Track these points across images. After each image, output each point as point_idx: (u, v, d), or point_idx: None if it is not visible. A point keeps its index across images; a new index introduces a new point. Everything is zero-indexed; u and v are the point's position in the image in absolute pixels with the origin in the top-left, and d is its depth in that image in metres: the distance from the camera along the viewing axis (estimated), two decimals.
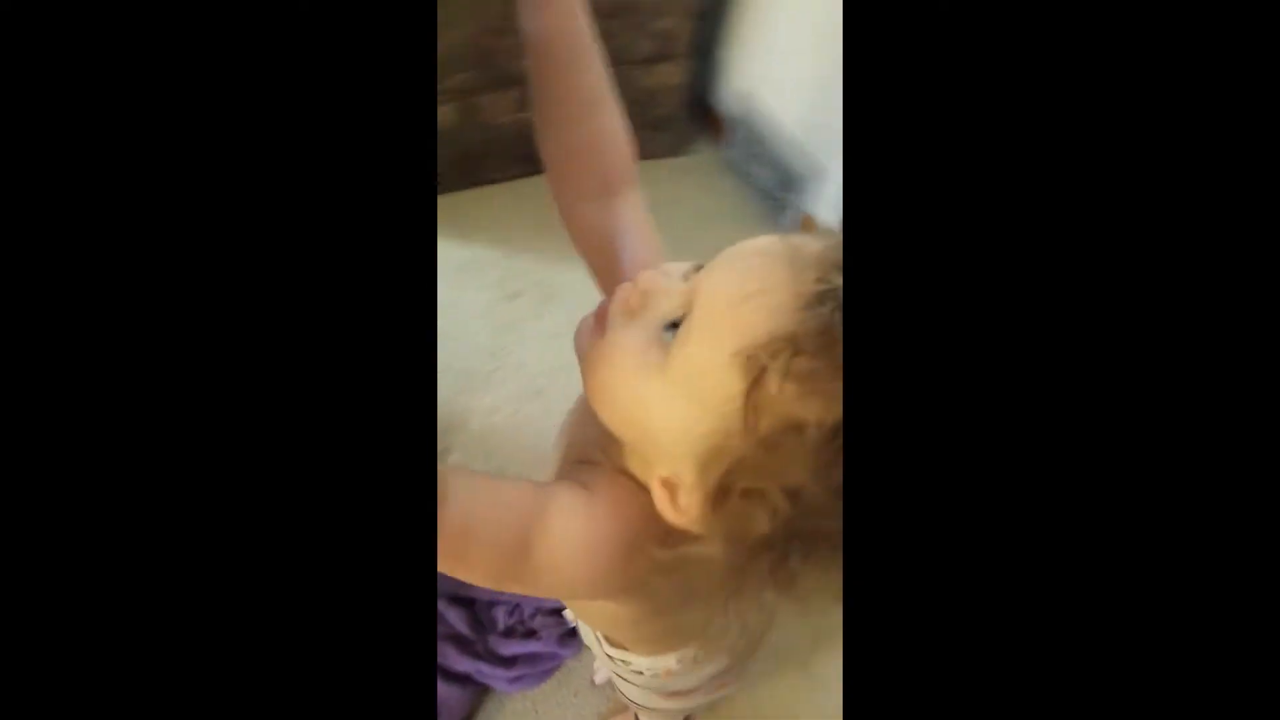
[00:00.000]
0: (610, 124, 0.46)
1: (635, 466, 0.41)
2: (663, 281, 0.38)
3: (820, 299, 0.32)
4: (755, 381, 0.32)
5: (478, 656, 1.02)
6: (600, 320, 0.40)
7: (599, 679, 1.06)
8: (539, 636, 1.05)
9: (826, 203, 1.62)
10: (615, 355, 0.38)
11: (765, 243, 0.36)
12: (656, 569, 0.38)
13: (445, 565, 0.35)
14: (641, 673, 0.62)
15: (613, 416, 0.40)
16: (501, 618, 1.05)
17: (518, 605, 1.06)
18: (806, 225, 1.66)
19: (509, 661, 1.03)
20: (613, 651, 0.62)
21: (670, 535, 0.38)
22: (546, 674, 1.05)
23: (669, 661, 0.61)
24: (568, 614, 1.06)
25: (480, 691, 1.02)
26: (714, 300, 0.35)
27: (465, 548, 0.35)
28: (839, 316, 0.31)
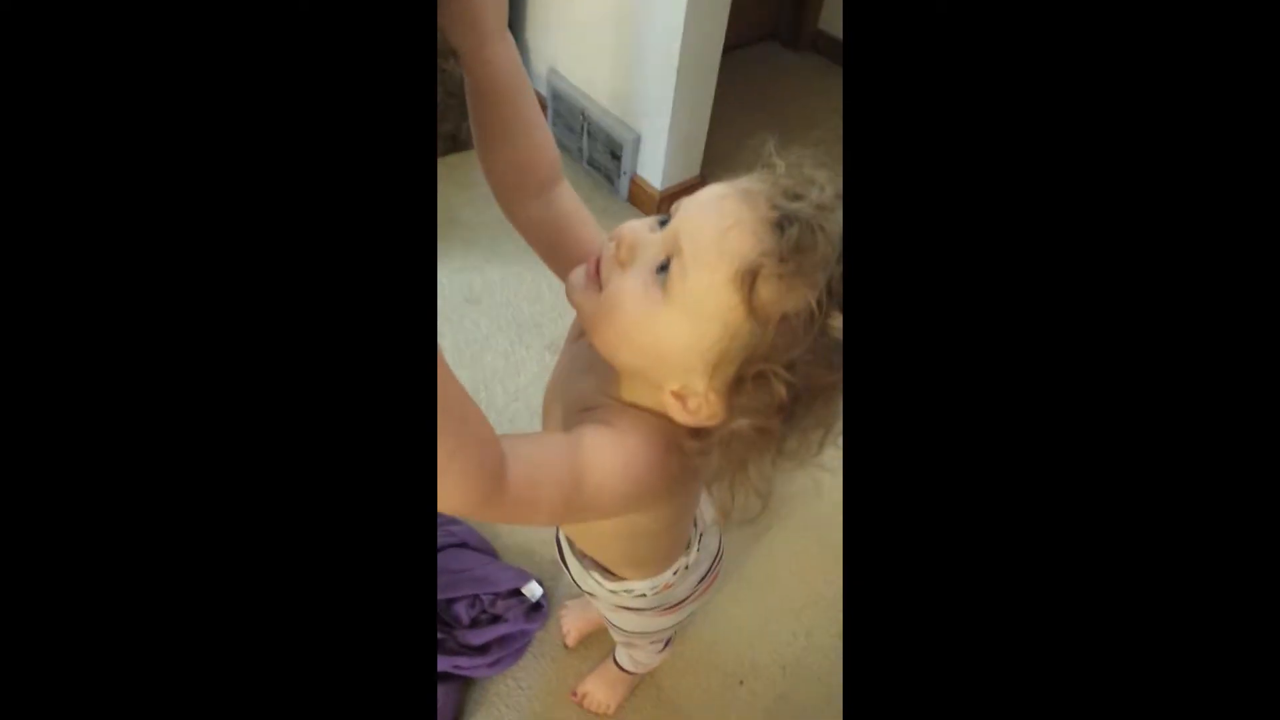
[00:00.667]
0: (544, 135, 0.54)
1: (639, 395, 0.49)
2: (642, 235, 0.46)
3: (787, 219, 0.41)
4: (750, 289, 0.41)
5: (452, 653, 1.04)
6: (592, 279, 0.47)
7: (570, 641, 1.12)
8: (505, 619, 1.09)
9: (648, 164, 1.73)
10: (620, 300, 0.45)
11: (719, 189, 0.45)
12: (696, 453, 0.46)
13: (518, 515, 0.41)
14: (645, 595, 0.70)
15: (624, 351, 0.47)
16: (464, 611, 1.08)
17: (476, 596, 1.09)
18: (637, 185, 1.77)
19: (483, 649, 1.06)
20: (615, 586, 0.70)
21: (696, 431, 0.46)
22: (521, 651, 1.10)
23: (667, 576, 0.69)
24: (527, 590, 1.11)
25: (464, 684, 1.05)
26: (699, 238, 0.43)
27: (534, 495, 0.42)
28: (799, 228, 0.41)
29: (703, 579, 0.76)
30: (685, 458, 0.47)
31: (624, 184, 1.78)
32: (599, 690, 1.06)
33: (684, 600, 0.75)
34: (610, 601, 0.73)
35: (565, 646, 1.12)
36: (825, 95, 2.24)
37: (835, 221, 0.42)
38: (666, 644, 0.98)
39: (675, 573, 0.70)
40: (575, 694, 1.07)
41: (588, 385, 0.53)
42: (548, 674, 1.09)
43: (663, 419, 0.48)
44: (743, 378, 0.43)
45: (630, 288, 0.45)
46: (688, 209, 0.45)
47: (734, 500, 0.48)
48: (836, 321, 0.41)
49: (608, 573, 0.70)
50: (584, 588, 0.75)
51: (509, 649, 1.08)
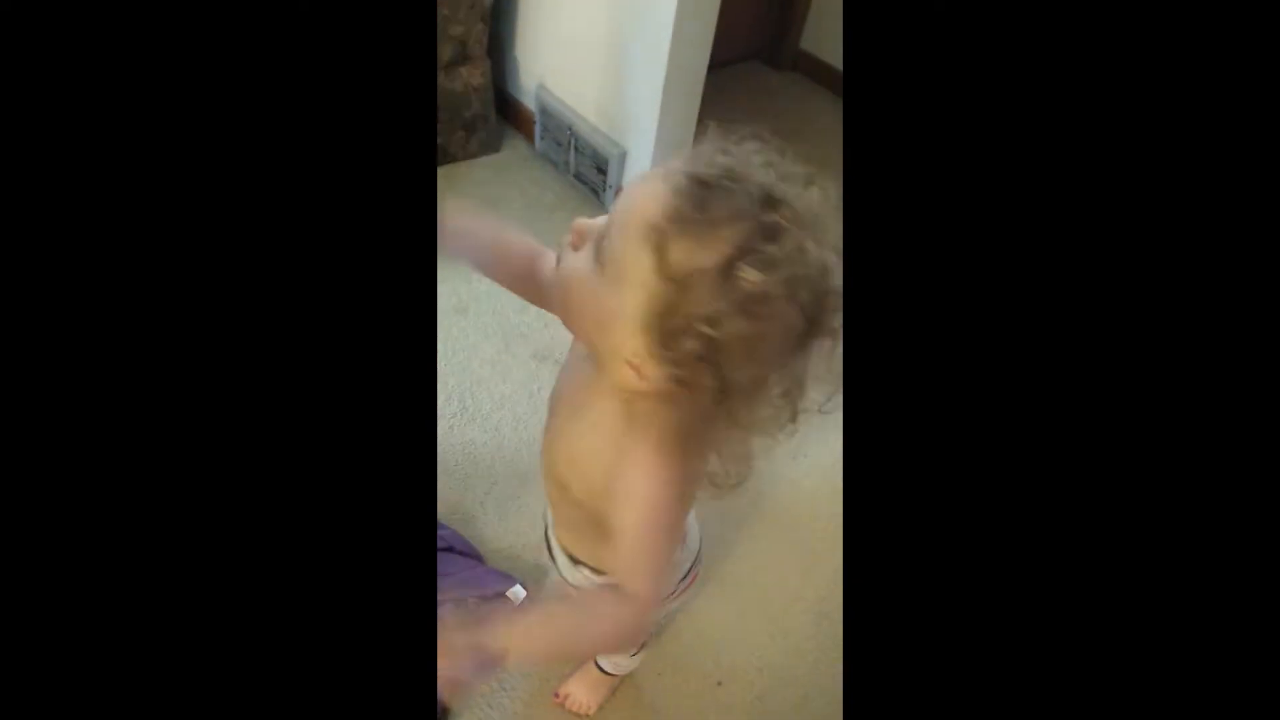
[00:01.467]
0: (522, 241, 0.64)
1: (611, 376, 0.53)
2: (591, 222, 0.52)
3: (692, 182, 0.46)
4: (661, 251, 0.45)
5: None
6: (553, 268, 0.55)
7: None
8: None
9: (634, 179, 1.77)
10: (570, 276, 0.52)
11: (648, 171, 0.54)
12: (660, 400, 0.50)
13: (661, 601, 0.48)
14: None
15: (579, 326, 0.54)
16: (449, 615, 1.09)
17: (462, 600, 1.11)
18: None
19: None
20: (604, 580, 0.73)
21: (659, 391, 0.50)
22: None
23: None
24: (511, 593, 1.13)
25: None
26: (619, 212, 0.49)
27: (657, 584, 0.53)
28: (707, 190, 0.45)
29: (684, 578, 0.79)
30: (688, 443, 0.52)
31: (610, 198, 1.81)
32: (580, 691, 1.08)
33: (670, 596, 0.78)
34: None
35: None
36: (807, 113, 2.29)
37: (747, 182, 0.45)
38: (642, 645, 1.01)
39: None
40: (557, 695, 1.09)
41: (577, 380, 0.59)
42: (530, 675, 1.11)
43: (633, 399, 0.53)
44: (668, 335, 0.47)
45: (576, 266, 0.51)
46: (622, 192, 0.51)
47: (721, 467, 0.54)
48: (747, 274, 0.44)
49: (598, 570, 0.73)
50: (571, 581, 0.78)
51: None
